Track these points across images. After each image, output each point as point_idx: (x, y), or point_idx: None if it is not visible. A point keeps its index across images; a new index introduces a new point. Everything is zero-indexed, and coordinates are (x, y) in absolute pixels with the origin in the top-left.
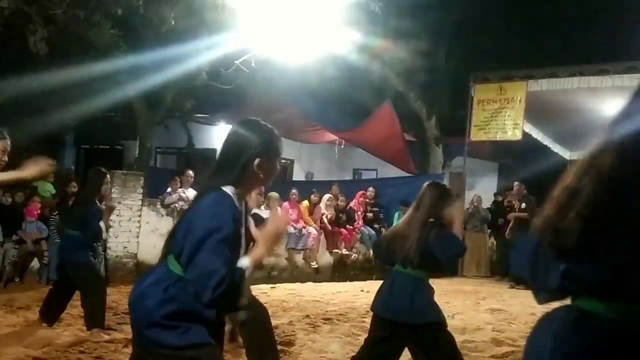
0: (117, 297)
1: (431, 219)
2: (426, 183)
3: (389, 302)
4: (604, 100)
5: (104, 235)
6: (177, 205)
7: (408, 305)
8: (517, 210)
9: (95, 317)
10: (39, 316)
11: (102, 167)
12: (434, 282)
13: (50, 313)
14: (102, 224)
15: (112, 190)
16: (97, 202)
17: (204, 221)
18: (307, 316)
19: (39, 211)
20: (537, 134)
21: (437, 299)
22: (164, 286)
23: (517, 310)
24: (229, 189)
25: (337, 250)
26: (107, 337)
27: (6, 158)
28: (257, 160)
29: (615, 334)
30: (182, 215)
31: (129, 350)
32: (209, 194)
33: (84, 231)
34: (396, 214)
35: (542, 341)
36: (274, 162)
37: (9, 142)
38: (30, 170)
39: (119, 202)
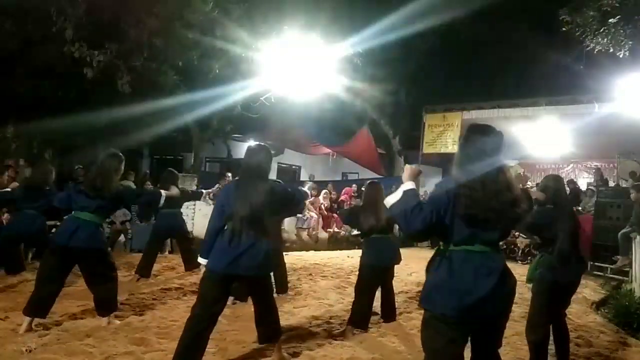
0: (178, 261)
1: None
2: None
3: None
4: (514, 125)
5: None
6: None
7: None
8: None
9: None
10: (137, 273)
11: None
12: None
13: (147, 267)
14: None
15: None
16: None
17: None
18: (310, 274)
19: None
20: None
21: (400, 262)
22: None
23: None
24: None
25: (330, 229)
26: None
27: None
28: None
29: None
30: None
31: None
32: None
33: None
34: None
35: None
36: None
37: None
38: None
39: None
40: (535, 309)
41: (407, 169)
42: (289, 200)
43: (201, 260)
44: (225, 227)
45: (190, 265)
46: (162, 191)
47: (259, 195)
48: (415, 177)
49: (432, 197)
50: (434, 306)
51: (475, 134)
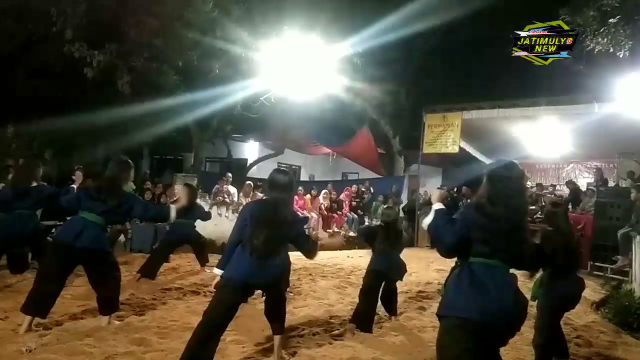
0: (179, 262)
1: None
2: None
3: None
4: (514, 125)
5: None
6: (220, 197)
7: None
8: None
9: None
10: (141, 272)
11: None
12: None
13: (154, 269)
14: None
15: (176, 187)
16: None
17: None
18: (310, 274)
19: None
20: (468, 148)
21: None
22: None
23: None
24: None
25: (330, 230)
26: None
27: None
28: None
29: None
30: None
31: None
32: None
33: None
34: (374, 204)
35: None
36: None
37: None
38: None
39: None
40: (541, 318)
41: (436, 193)
42: (301, 248)
43: (217, 271)
44: (244, 241)
45: (205, 264)
46: (172, 206)
47: (279, 219)
48: (444, 199)
49: (462, 214)
50: (458, 311)
51: (501, 169)
